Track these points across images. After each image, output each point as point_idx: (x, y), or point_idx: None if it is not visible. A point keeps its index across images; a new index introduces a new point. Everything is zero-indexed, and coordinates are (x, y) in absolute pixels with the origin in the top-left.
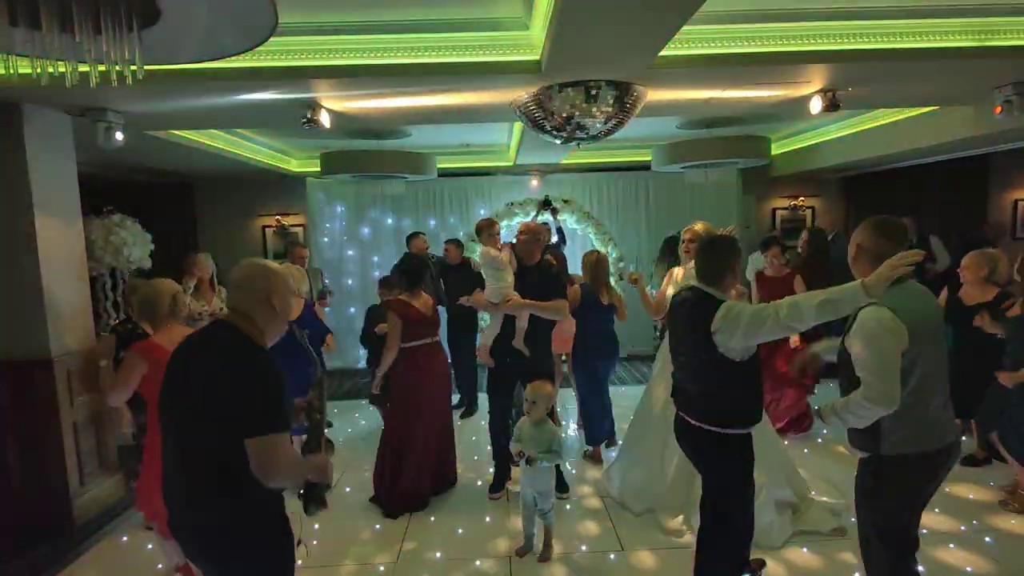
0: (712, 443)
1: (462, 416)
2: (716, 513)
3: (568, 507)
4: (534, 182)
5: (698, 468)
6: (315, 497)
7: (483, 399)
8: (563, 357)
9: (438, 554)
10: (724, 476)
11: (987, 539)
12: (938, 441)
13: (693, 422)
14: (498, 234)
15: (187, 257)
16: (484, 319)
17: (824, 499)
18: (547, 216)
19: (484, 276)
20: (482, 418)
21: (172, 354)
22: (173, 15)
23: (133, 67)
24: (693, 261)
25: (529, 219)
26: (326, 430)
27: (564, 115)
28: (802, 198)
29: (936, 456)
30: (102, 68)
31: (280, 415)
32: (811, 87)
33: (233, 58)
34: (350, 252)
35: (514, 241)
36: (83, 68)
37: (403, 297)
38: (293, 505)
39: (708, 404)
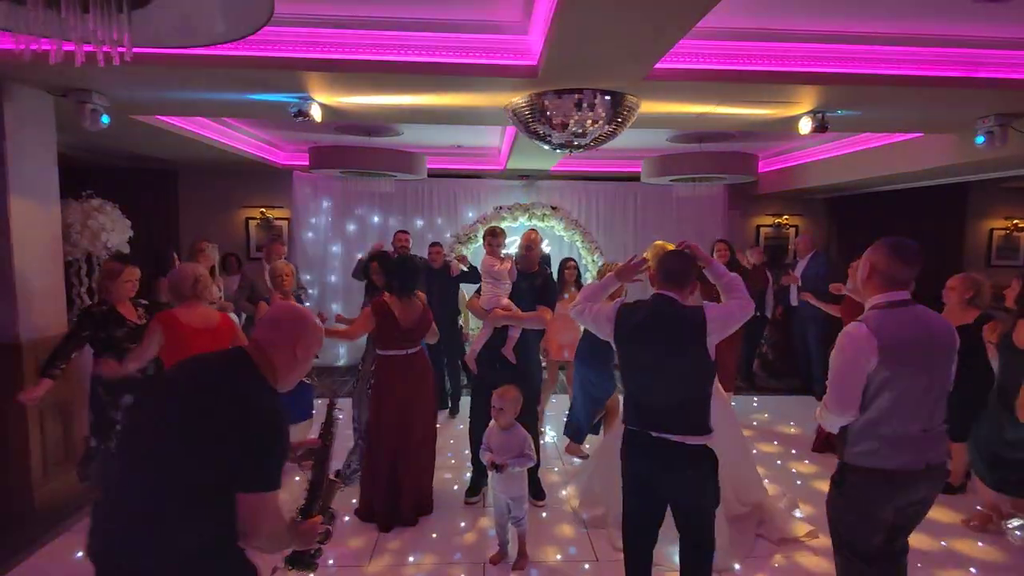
0: (695, 457)
1: (451, 414)
2: (703, 532)
3: (544, 515)
4: (523, 200)
5: (669, 491)
6: (301, 561)
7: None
8: (563, 365)
9: (410, 559)
10: (704, 491)
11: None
12: (903, 463)
13: (674, 438)
14: (501, 245)
15: (195, 247)
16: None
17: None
18: None
19: (483, 283)
20: (462, 422)
21: (173, 368)
22: None
23: (121, 49)
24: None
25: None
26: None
27: (558, 122)
28: (786, 216)
29: (896, 476)
30: (89, 49)
31: (280, 473)
32: (800, 108)
33: (225, 46)
34: (335, 248)
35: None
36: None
37: (387, 300)
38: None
39: (692, 414)
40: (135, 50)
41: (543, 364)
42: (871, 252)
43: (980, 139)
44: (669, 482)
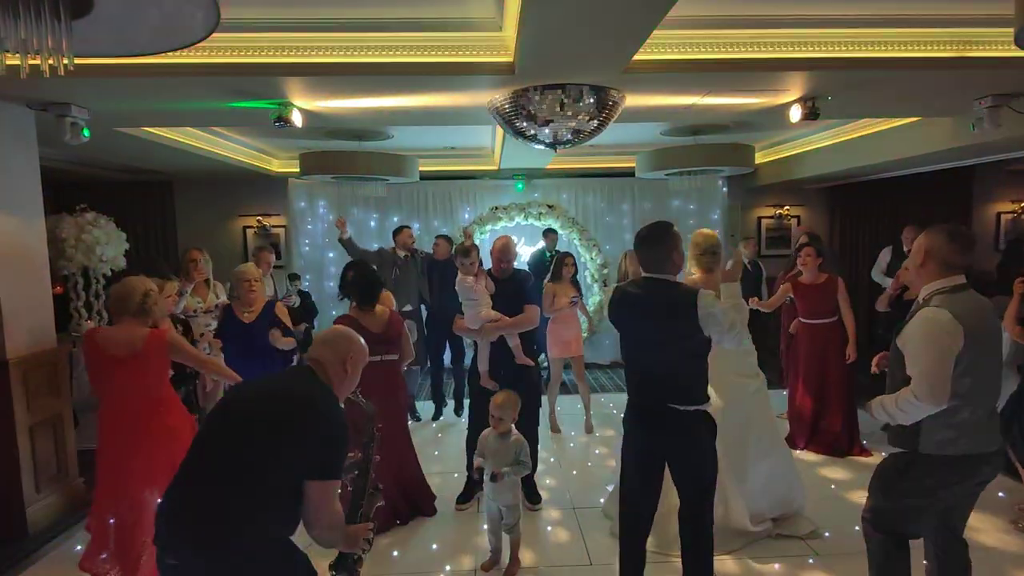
0: (699, 423)
1: (456, 413)
2: (709, 503)
3: (537, 519)
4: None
5: (685, 461)
6: (346, 566)
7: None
8: (567, 362)
9: (401, 565)
10: (709, 457)
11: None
12: (975, 447)
13: (683, 407)
14: (474, 263)
15: (186, 257)
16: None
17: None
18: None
19: (462, 304)
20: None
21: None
22: (108, 4)
23: (64, 60)
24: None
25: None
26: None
27: (541, 118)
28: (787, 207)
29: (968, 461)
30: (33, 61)
31: (343, 465)
32: (790, 95)
33: (199, 54)
34: (331, 254)
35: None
36: (12, 61)
37: (351, 314)
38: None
39: (691, 385)
40: (110, 61)
41: (545, 363)
42: (927, 239)
43: (972, 126)
44: (682, 454)
